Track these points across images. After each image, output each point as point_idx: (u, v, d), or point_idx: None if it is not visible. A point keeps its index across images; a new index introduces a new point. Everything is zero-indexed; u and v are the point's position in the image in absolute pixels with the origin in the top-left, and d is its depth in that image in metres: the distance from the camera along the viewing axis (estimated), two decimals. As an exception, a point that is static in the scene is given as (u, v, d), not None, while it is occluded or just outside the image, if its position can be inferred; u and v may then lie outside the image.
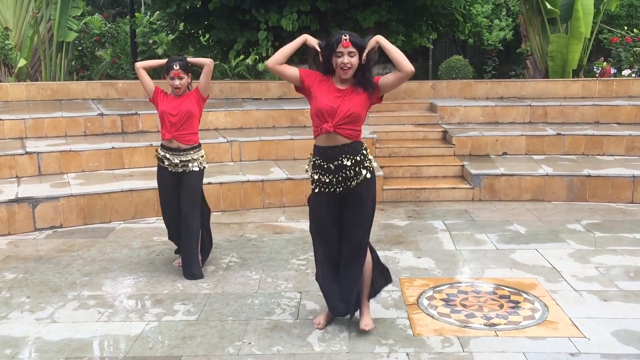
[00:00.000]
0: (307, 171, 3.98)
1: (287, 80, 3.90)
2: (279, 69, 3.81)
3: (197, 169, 4.97)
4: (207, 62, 4.93)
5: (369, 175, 3.83)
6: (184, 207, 4.95)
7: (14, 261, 5.45)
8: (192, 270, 4.97)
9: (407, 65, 3.65)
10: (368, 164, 3.86)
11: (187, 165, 4.93)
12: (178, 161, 4.91)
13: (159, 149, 5.04)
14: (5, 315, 4.30)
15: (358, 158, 3.80)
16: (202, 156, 5.03)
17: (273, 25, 10.01)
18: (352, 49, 3.64)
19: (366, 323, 3.98)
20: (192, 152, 4.96)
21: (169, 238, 5.32)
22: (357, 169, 3.81)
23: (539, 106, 9.31)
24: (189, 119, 4.89)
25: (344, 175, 3.80)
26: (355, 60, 3.67)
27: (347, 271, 3.94)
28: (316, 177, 3.87)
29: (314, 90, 3.79)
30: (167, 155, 4.93)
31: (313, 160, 3.90)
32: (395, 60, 3.67)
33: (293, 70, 3.82)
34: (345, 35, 3.65)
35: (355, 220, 3.88)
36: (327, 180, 3.83)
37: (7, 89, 9.83)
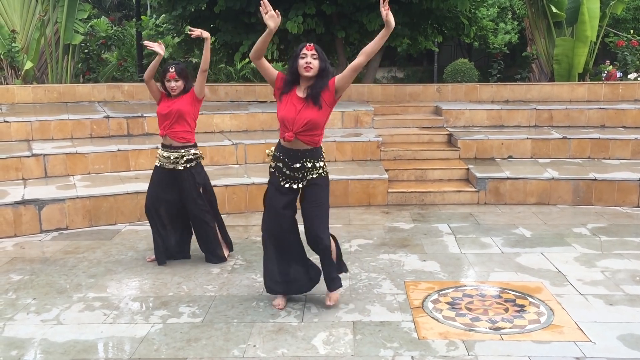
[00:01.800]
0: (269, 162, 4.35)
1: (267, 79, 4.21)
2: (258, 64, 4.16)
3: (190, 165, 5.21)
4: (205, 67, 5.14)
5: (323, 174, 4.29)
6: (191, 208, 5.26)
7: (20, 263, 5.47)
8: (217, 252, 5.34)
9: (372, 49, 4.08)
10: (325, 167, 4.31)
11: (178, 162, 5.18)
12: (168, 155, 5.18)
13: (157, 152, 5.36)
14: (11, 317, 4.32)
15: (317, 164, 4.23)
16: (194, 154, 5.24)
17: (278, 28, 10.03)
18: (314, 52, 4.07)
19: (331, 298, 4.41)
20: (183, 150, 5.20)
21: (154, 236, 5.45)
22: (316, 167, 4.25)
23: (544, 110, 9.29)
24: (179, 117, 5.13)
25: (303, 173, 4.22)
26: (316, 63, 4.06)
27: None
28: (277, 165, 4.27)
29: (282, 97, 4.16)
30: (160, 151, 5.23)
31: (274, 154, 4.29)
32: (373, 50, 4.07)
33: (272, 72, 4.18)
34: (310, 44, 4.13)
35: (314, 210, 4.30)
36: (288, 173, 4.22)
37: (13, 91, 9.87)
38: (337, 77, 4.13)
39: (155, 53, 5.14)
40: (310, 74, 4.05)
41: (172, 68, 5.04)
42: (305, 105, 4.08)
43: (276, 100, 4.23)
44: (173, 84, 5.05)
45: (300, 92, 4.13)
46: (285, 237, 4.38)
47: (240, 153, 8.04)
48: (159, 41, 5.38)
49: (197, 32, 5.10)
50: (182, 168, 5.18)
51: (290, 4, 10.14)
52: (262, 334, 4.02)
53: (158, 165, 5.26)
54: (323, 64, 4.09)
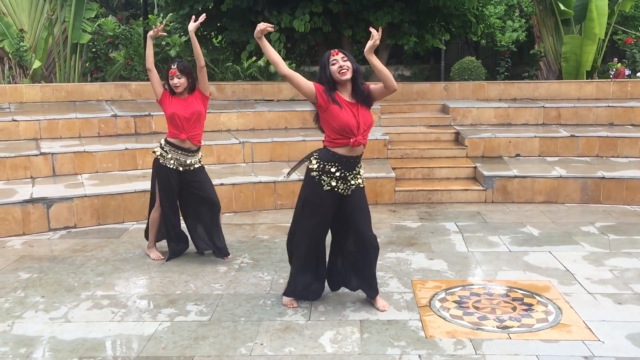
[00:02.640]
0: (313, 171, 4.17)
1: (301, 93, 4.11)
2: (289, 76, 4.06)
3: (199, 165, 5.31)
4: (201, 64, 5.16)
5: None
6: (209, 194, 5.33)
7: (28, 261, 5.50)
8: (224, 244, 5.41)
9: (393, 85, 4.09)
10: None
11: (193, 165, 5.23)
12: (185, 160, 5.19)
13: (161, 147, 5.22)
14: (20, 315, 4.34)
15: (362, 168, 4.28)
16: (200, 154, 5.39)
17: (285, 26, 10.03)
18: (342, 55, 4.03)
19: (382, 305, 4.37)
20: (198, 153, 5.29)
21: (164, 236, 5.53)
22: (361, 171, 4.28)
23: (552, 107, 9.25)
24: (198, 118, 5.18)
25: (355, 177, 4.21)
26: (349, 64, 4.02)
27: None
28: (328, 181, 4.15)
29: (332, 110, 4.03)
30: (176, 156, 5.16)
31: (321, 164, 4.13)
32: (383, 79, 4.06)
33: (308, 86, 4.06)
34: (333, 50, 4.09)
35: (362, 213, 4.27)
36: (343, 177, 4.16)
37: (22, 90, 9.92)
38: (372, 87, 4.13)
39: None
40: (347, 76, 4.01)
41: (174, 65, 5.08)
42: (358, 108, 4.07)
43: (321, 110, 4.10)
44: (176, 80, 5.06)
45: (346, 97, 4.09)
46: (323, 245, 4.37)
47: (247, 151, 8.05)
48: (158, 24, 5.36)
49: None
50: (193, 169, 5.27)
51: (298, 2, 10.14)
52: (270, 332, 4.02)
53: (172, 168, 5.17)
54: (354, 64, 4.06)
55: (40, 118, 8.16)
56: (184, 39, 12.60)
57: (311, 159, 4.22)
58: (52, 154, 7.29)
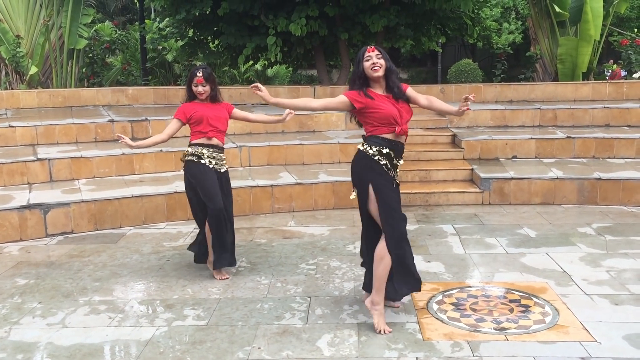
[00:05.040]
0: (367, 154, 4.08)
1: (339, 110, 4.21)
2: (323, 108, 4.30)
3: (226, 167, 5.23)
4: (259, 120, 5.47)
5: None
6: (228, 205, 5.18)
7: (25, 267, 5.50)
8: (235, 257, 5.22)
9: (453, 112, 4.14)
10: None
11: (222, 164, 5.13)
12: (218, 156, 5.10)
13: (192, 150, 5.02)
14: (17, 321, 4.34)
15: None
16: None
17: (282, 30, 10.05)
18: (377, 52, 4.06)
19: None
20: (223, 152, 5.19)
21: (195, 246, 5.32)
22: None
23: (548, 109, 9.27)
24: (224, 121, 5.15)
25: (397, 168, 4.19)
26: (382, 62, 4.04)
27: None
28: (386, 159, 4.08)
29: (372, 105, 4.05)
30: (208, 153, 5.03)
31: (378, 150, 4.06)
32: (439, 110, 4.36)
33: (342, 102, 4.13)
34: (370, 45, 4.14)
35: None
36: (395, 165, 4.15)
37: (18, 96, 9.92)
38: (412, 91, 4.14)
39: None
40: (379, 73, 4.04)
41: (199, 72, 4.96)
42: (395, 101, 4.08)
43: (361, 113, 4.09)
44: (201, 88, 4.98)
45: (380, 92, 4.11)
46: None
47: (244, 155, 8.05)
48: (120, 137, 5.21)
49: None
50: (224, 170, 5.16)
51: (294, 6, 10.16)
52: (267, 336, 4.02)
53: (209, 166, 5.01)
54: (388, 63, 4.08)
55: (37, 124, 8.16)
56: (180, 43, 12.62)
57: (359, 147, 4.15)
58: (49, 159, 7.28)
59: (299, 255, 5.68)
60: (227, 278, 5.08)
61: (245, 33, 10.71)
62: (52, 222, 6.38)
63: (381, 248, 4.06)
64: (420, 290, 4.28)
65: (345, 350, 3.82)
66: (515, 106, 9.51)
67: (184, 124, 5.07)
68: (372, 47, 4.11)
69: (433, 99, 4.27)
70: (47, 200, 6.46)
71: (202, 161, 5.00)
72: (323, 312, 4.39)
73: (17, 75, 12.29)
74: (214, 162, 5.04)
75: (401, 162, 4.19)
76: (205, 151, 5.01)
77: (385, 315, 4.13)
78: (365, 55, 4.06)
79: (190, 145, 5.07)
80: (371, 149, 4.08)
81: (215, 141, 5.06)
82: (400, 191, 4.27)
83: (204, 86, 5.00)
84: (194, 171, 5.02)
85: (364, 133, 4.18)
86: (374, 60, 4.03)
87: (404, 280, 4.13)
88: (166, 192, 6.88)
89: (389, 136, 4.09)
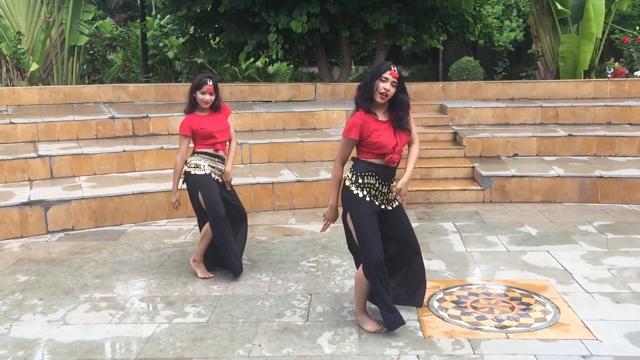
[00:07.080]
0: (350, 185, 4.00)
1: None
2: (345, 162, 4.05)
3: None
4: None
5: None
6: (239, 208, 5.24)
7: (26, 263, 5.50)
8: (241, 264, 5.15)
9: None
10: None
11: (222, 174, 5.13)
12: (221, 167, 5.10)
13: (196, 162, 4.98)
14: (17, 318, 4.34)
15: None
16: None
17: (283, 27, 10.04)
18: (395, 80, 3.84)
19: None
20: (223, 162, 5.17)
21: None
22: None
23: (550, 107, 9.25)
24: (227, 131, 5.15)
25: (389, 196, 4.06)
26: (393, 91, 3.85)
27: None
28: (371, 185, 3.98)
29: (371, 134, 3.90)
30: (212, 163, 5.02)
31: (363, 175, 3.97)
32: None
33: (353, 144, 3.97)
34: (394, 67, 3.86)
35: (409, 225, 4.18)
36: (384, 192, 4.03)
37: (19, 92, 9.92)
38: (413, 133, 4.10)
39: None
40: (383, 102, 3.87)
41: (210, 81, 4.93)
42: (395, 129, 3.93)
43: (362, 141, 3.95)
44: (208, 97, 4.96)
45: (382, 117, 3.93)
46: (385, 258, 3.98)
47: (245, 153, 8.04)
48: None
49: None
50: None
51: (295, 3, 10.15)
52: (268, 334, 4.02)
53: (214, 177, 5.01)
54: (401, 95, 3.89)
55: (38, 120, 8.16)
56: (181, 40, 12.61)
57: (344, 182, 4.03)
58: (50, 156, 7.28)
59: (300, 252, 5.68)
60: (212, 277, 5.06)
61: (247, 30, 10.70)
62: (52, 219, 6.38)
63: (359, 272, 4.04)
64: (402, 324, 4.02)
65: (345, 347, 3.82)
66: (516, 104, 9.51)
67: (191, 138, 5.05)
68: (396, 72, 3.84)
69: (414, 149, 4.15)
70: (47, 197, 6.46)
71: (206, 172, 4.98)
72: (324, 309, 4.39)
73: (17, 72, 12.29)
74: (216, 172, 5.05)
75: (393, 183, 4.07)
76: (209, 162, 5.02)
77: (373, 319, 4.10)
78: (383, 75, 3.82)
79: (196, 153, 5.03)
80: (353, 184, 3.96)
81: (221, 153, 5.10)
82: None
83: (212, 95, 4.99)
84: (201, 181, 4.97)
85: (355, 155, 4.05)
86: (387, 87, 3.81)
87: (385, 308, 3.97)
88: (167, 189, 6.85)
89: (377, 161, 3.97)
